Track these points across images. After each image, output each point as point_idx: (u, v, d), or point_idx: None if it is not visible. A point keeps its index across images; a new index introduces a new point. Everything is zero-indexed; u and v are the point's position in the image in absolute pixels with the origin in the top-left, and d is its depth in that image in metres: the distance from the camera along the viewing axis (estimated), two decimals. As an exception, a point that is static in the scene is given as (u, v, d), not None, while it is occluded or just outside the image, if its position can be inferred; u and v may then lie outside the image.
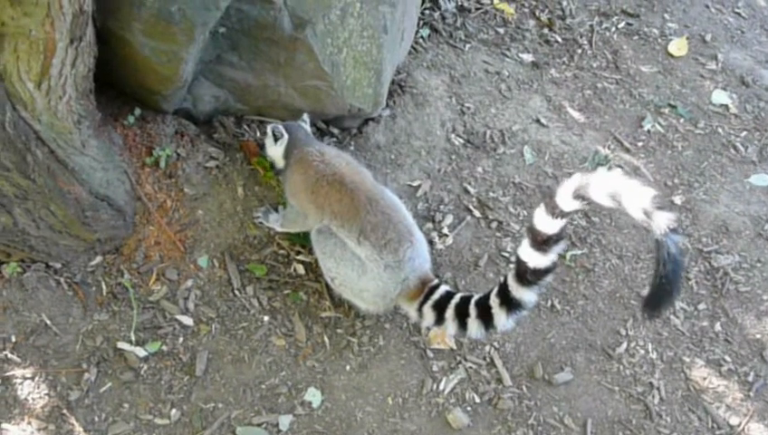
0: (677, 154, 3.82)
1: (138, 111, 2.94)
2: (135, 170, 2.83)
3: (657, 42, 4.41)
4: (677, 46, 4.39)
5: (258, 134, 3.24)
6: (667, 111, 4.02)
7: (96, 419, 2.47)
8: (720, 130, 4.00)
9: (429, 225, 3.23)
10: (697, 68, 4.33)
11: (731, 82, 4.28)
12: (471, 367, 2.86)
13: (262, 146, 3.15)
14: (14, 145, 2.21)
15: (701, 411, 2.91)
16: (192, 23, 2.48)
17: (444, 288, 2.71)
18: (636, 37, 4.40)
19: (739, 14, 4.77)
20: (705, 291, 3.28)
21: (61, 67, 2.21)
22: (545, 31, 4.32)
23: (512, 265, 3.09)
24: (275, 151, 2.95)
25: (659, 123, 3.95)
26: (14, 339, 2.54)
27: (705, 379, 3.01)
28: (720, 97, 4.18)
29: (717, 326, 3.17)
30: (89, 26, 2.24)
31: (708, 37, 4.52)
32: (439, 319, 2.67)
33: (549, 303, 3.10)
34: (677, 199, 3.59)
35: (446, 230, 3.24)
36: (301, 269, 2.97)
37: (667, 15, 4.59)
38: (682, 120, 3.99)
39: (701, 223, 3.52)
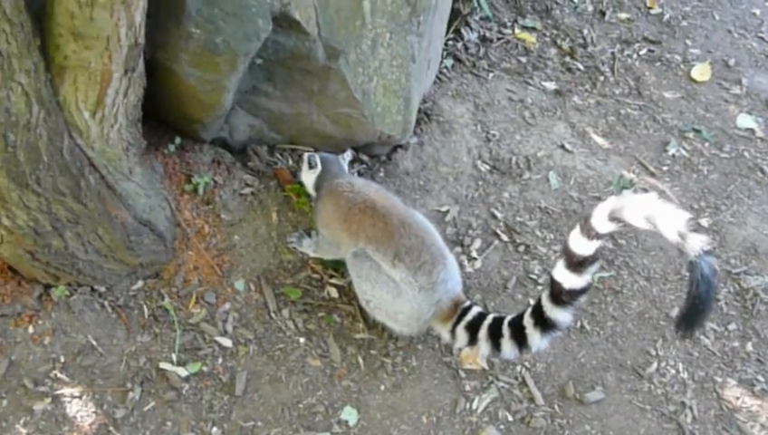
0: (703, 178, 4.04)
1: (177, 141, 3.22)
2: (175, 197, 3.10)
3: (680, 68, 4.67)
4: (700, 71, 4.64)
5: (290, 162, 3.52)
6: (691, 135, 4.26)
7: (141, 436, 2.69)
8: (746, 153, 4.23)
9: (458, 249, 3.45)
10: (721, 93, 4.58)
11: (756, 106, 4.53)
12: (503, 387, 3.04)
13: (294, 173, 3.42)
14: (69, 171, 2.47)
15: (735, 431, 3.05)
16: (236, 53, 2.77)
17: (476, 309, 2.90)
18: (658, 63, 4.67)
19: (763, 38, 5.04)
20: (735, 312, 3.45)
21: (114, 96, 2.49)
22: (567, 59, 4.60)
23: (540, 287, 3.32)
24: (308, 179, 3.21)
25: (684, 148, 4.18)
26: (62, 359, 2.76)
27: (737, 398, 3.15)
28: (745, 121, 4.41)
29: (749, 347, 3.32)
30: (140, 58, 2.53)
31: (732, 62, 4.78)
32: (472, 340, 2.85)
33: (578, 324, 3.28)
34: (704, 222, 3.79)
35: (474, 254, 3.46)
36: (334, 292, 3.19)
37: (688, 41, 4.87)
38: (707, 145, 4.23)
39: (729, 245, 3.71)
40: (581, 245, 2.39)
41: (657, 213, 2.19)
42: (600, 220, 2.32)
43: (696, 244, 2.11)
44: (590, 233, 2.36)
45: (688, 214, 2.16)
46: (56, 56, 2.32)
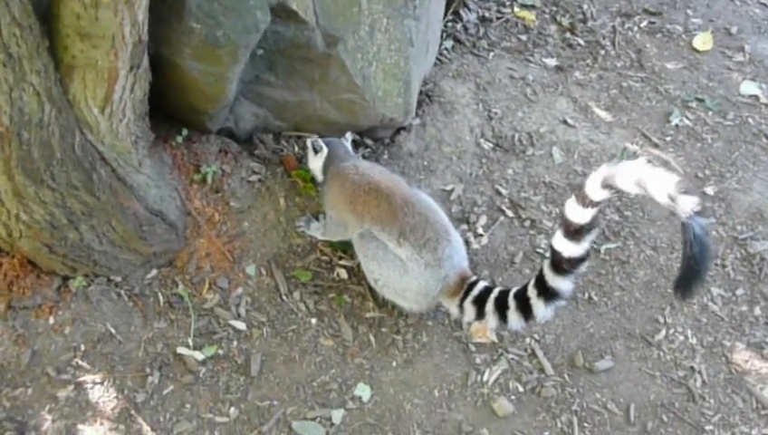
0: (707, 146, 4.15)
1: (185, 132, 3.39)
2: (184, 187, 3.27)
3: (682, 38, 4.77)
4: (702, 41, 4.74)
5: (296, 149, 3.68)
6: (694, 104, 4.36)
7: (161, 419, 2.85)
8: (750, 120, 4.32)
9: (464, 226, 3.59)
10: (724, 61, 4.68)
11: (760, 73, 4.61)
12: (513, 358, 3.18)
13: (300, 159, 3.58)
14: (81, 165, 2.64)
15: (745, 393, 3.17)
16: (236, 45, 2.92)
17: (482, 283, 3.03)
18: (659, 35, 4.77)
19: (765, 4, 5.11)
20: (742, 277, 3.56)
21: (122, 92, 2.65)
22: (567, 35, 4.72)
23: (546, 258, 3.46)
24: (315, 163, 3.35)
25: (687, 117, 4.29)
26: (83, 347, 2.94)
27: (747, 362, 3.26)
28: (749, 88, 4.50)
29: (757, 310, 3.44)
30: (145, 54, 2.69)
31: (734, 30, 4.87)
32: (480, 313, 2.99)
33: (586, 295, 3.41)
34: (710, 190, 3.90)
35: (480, 230, 3.60)
36: (343, 274, 3.35)
37: (689, 11, 4.96)
38: (711, 113, 4.33)
39: (735, 211, 3.82)
40: (577, 213, 2.52)
41: (646, 177, 2.29)
42: (594, 188, 2.44)
43: (687, 205, 2.21)
44: (584, 201, 2.48)
45: (677, 177, 2.26)
46: (64, 56, 2.48)
